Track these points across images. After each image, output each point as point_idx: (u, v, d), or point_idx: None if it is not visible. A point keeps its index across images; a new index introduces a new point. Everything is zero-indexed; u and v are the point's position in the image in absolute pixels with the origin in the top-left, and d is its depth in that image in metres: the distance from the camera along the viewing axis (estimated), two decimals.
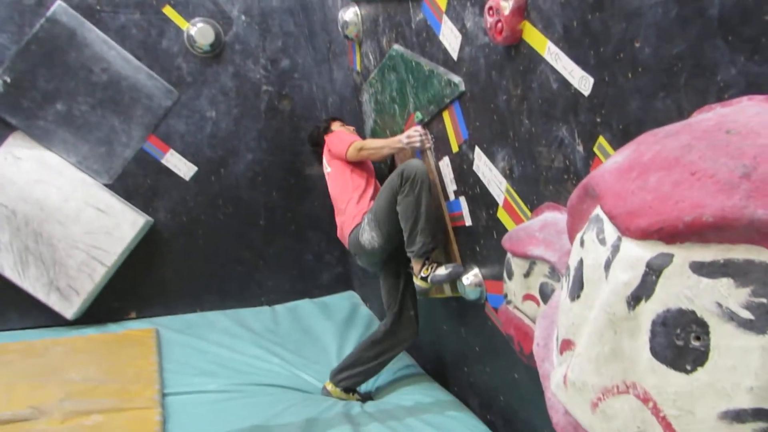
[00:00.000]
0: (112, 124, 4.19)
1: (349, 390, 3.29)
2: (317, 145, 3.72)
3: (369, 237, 3.03)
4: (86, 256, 4.08)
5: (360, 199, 3.29)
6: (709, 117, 1.18)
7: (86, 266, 4.09)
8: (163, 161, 4.37)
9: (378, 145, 3.22)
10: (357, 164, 3.39)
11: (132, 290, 4.39)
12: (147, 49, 4.24)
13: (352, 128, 3.73)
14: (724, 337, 0.93)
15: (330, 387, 3.31)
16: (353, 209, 3.26)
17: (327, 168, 3.54)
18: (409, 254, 2.92)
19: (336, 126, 3.69)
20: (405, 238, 2.88)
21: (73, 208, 4.07)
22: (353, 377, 3.27)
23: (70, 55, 4.04)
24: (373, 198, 3.27)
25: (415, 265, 2.94)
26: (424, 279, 2.90)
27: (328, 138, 3.57)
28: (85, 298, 4.12)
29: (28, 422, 2.78)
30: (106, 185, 4.22)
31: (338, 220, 3.40)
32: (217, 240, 4.59)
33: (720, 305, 0.94)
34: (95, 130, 4.16)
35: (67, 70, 4.05)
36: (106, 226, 4.10)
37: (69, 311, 4.12)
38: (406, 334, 3.23)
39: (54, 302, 4.09)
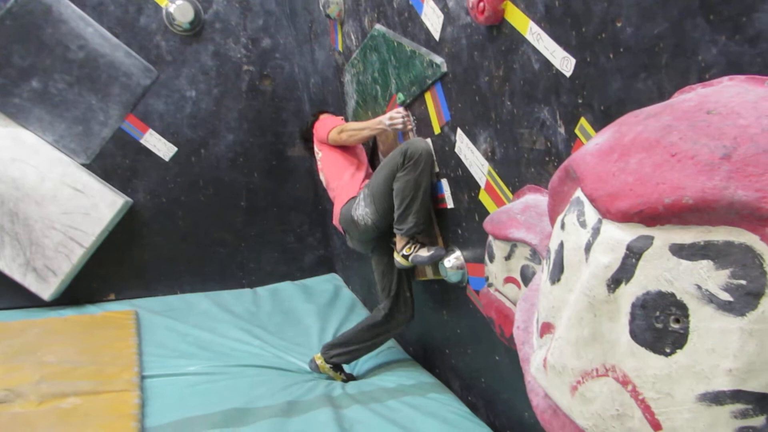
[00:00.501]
0: (90, 103, 4.11)
1: (338, 368, 3.29)
2: (308, 140, 3.66)
3: (363, 213, 2.97)
4: (63, 236, 4.02)
5: (354, 175, 3.25)
6: (690, 97, 1.17)
7: (64, 247, 4.03)
8: (142, 141, 4.31)
9: (358, 127, 3.17)
10: (348, 148, 3.36)
11: (111, 271, 4.34)
12: (125, 26, 4.15)
13: (341, 118, 3.68)
14: (703, 320, 0.93)
15: (320, 361, 3.30)
16: (347, 183, 3.22)
17: (318, 154, 3.49)
18: (396, 231, 2.88)
19: (324, 116, 3.63)
20: (396, 215, 2.83)
21: (49, 188, 4.00)
22: (345, 354, 3.27)
23: (46, 31, 3.95)
24: (366, 178, 3.24)
25: (399, 242, 2.91)
26: (405, 257, 2.89)
27: (314, 127, 3.53)
28: (62, 279, 4.07)
29: (3, 404, 2.74)
30: (83, 165, 4.15)
31: (331, 197, 3.37)
32: (197, 221, 4.55)
33: (699, 287, 0.93)
34: (72, 108, 4.08)
35: (42, 47, 3.96)
36: (83, 207, 4.04)
37: (46, 292, 4.06)
38: (404, 317, 3.21)
39: (30, 283, 4.03)
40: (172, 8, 4.19)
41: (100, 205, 4.08)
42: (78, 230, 4.04)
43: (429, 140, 2.74)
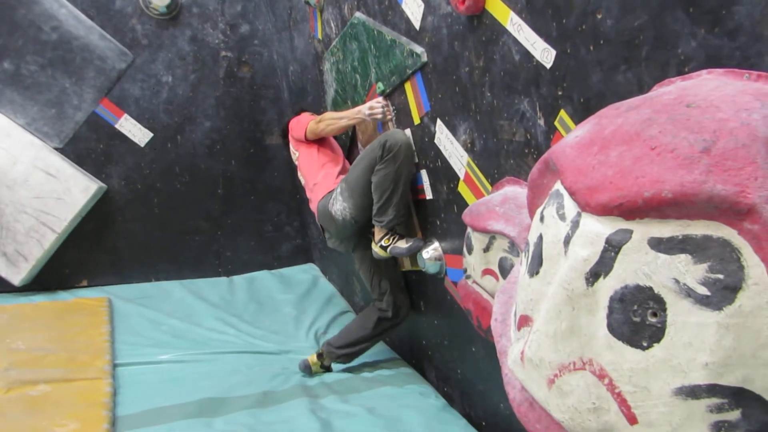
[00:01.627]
0: (63, 86, 4.03)
1: (329, 369, 3.24)
2: (286, 137, 3.61)
3: (341, 207, 2.92)
4: (35, 221, 3.94)
5: (330, 170, 3.21)
6: (669, 90, 1.17)
7: (35, 232, 3.95)
8: (117, 126, 4.23)
9: (336, 116, 3.13)
10: (323, 143, 3.31)
11: (84, 258, 4.27)
12: (99, 8, 4.07)
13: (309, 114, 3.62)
14: (680, 314, 0.93)
15: (315, 366, 3.19)
16: (323, 179, 3.17)
17: (295, 154, 3.43)
18: (375, 223, 2.85)
19: (305, 115, 3.55)
20: (375, 207, 2.79)
21: (21, 172, 3.91)
22: (352, 354, 3.21)
23: (18, 12, 3.86)
24: (342, 173, 3.20)
25: (377, 233, 2.89)
26: (384, 248, 2.87)
27: (289, 125, 3.48)
28: (33, 265, 4.00)
29: None
30: (56, 149, 4.07)
31: (308, 195, 3.30)
32: (173, 209, 4.49)
33: (677, 281, 0.93)
34: (45, 91, 3.99)
35: (15, 27, 3.86)
36: (56, 191, 3.96)
37: (16, 277, 3.99)
38: (405, 311, 3.17)
39: (1, 268, 3.95)
40: None
41: (73, 190, 4.00)
42: (50, 215, 3.96)
43: (408, 131, 2.73)
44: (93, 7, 4.04)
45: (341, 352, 3.20)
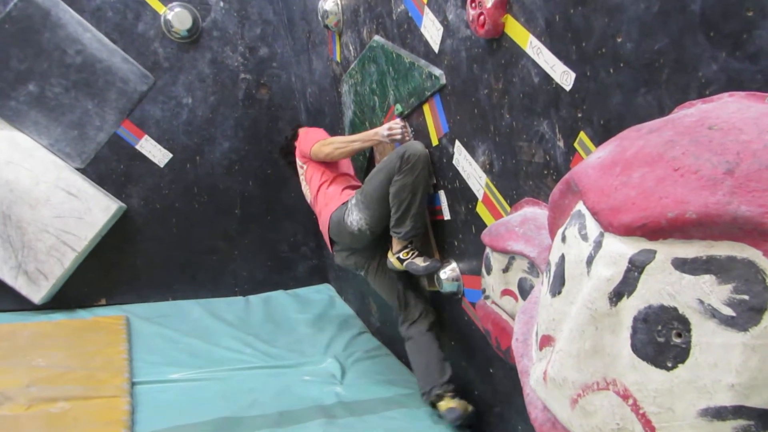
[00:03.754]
0: (86, 107, 4.10)
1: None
2: (289, 155, 3.57)
3: (357, 218, 2.91)
4: (56, 240, 3.99)
5: (341, 184, 3.20)
6: (691, 113, 1.18)
7: (56, 251, 4.00)
8: (138, 147, 4.30)
9: (347, 140, 3.11)
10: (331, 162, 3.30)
11: (103, 276, 4.31)
12: (122, 32, 4.15)
13: (322, 130, 3.54)
14: (705, 334, 0.93)
15: (448, 406, 2.80)
16: (335, 192, 3.16)
17: (302, 168, 3.42)
18: (393, 234, 2.85)
19: (303, 131, 3.54)
20: (393, 218, 2.78)
21: (43, 192, 3.98)
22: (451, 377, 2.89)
23: (44, 36, 3.95)
24: (350, 187, 3.21)
25: (396, 245, 2.88)
26: (400, 261, 2.87)
27: (297, 140, 3.46)
28: (53, 283, 4.04)
29: None
30: (78, 169, 4.13)
31: (317, 210, 3.30)
32: (191, 228, 4.53)
33: (702, 302, 0.93)
34: (68, 112, 4.07)
35: (40, 51, 3.95)
36: (77, 211, 4.02)
37: (37, 296, 4.03)
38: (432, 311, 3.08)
39: (21, 286, 4.00)
40: (170, 15, 4.20)
41: (94, 209, 4.06)
42: (71, 234, 4.01)
43: (427, 151, 2.75)
44: (116, 30, 4.13)
45: (451, 386, 2.85)
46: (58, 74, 4.01)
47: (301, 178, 3.47)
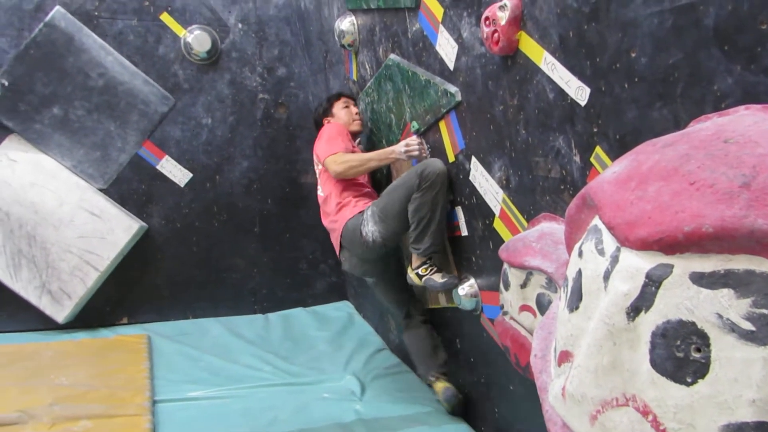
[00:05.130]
0: (108, 129, 4.18)
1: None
2: (318, 127, 3.57)
3: (372, 230, 2.94)
4: (79, 260, 4.05)
5: (355, 188, 3.21)
6: (707, 126, 1.17)
7: (79, 270, 4.06)
8: (158, 167, 4.36)
9: (363, 158, 3.11)
10: None
11: (124, 296, 4.36)
12: (144, 55, 4.23)
13: (355, 111, 3.54)
14: (725, 349, 0.92)
15: (438, 383, 3.16)
16: (347, 197, 3.17)
17: (318, 166, 3.39)
18: (412, 250, 2.87)
19: (338, 107, 3.52)
20: (413, 235, 2.81)
21: (67, 212, 4.05)
22: (443, 359, 3.24)
23: (68, 60, 4.04)
24: (363, 195, 3.22)
25: (415, 260, 2.89)
26: (419, 276, 2.88)
27: (322, 129, 3.42)
28: (76, 303, 4.09)
29: (16, 426, 2.74)
30: (100, 190, 4.20)
31: (326, 210, 3.29)
32: (211, 247, 4.57)
33: (720, 316, 0.93)
34: (91, 134, 4.15)
35: (64, 75, 4.04)
36: (99, 231, 4.08)
37: (60, 315, 4.09)
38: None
39: (45, 305, 4.06)
40: (189, 38, 4.28)
41: (116, 229, 4.12)
42: (93, 254, 4.07)
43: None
44: (138, 53, 4.21)
45: (444, 369, 3.20)
46: (81, 97, 4.09)
47: (316, 169, 3.45)
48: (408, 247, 2.96)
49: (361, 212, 3.06)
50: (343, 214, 3.16)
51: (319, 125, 3.58)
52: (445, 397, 3.06)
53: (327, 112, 3.57)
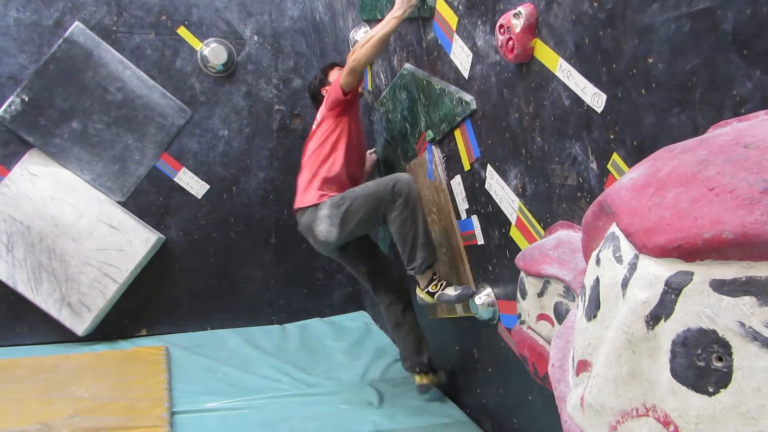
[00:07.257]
0: (126, 142, 4.23)
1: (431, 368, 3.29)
2: (316, 101, 3.46)
3: (327, 230, 2.90)
4: (98, 272, 4.09)
5: (337, 167, 3.07)
6: (726, 132, 1.16)
7: (98, 283, 4.10)
8: (176, 179, 4.39)
9: (368, 36, 2.84)
10: (351, 140, 3.15)
11: (143, 307, 4.39)
12: (161, 68, 4.28)
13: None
14: (747, 358, 0.90)
15: (423, 378, 3.26)
16: (313, 177, 3.07)
17: (315, 125, 3.29)
18: (409, 272, 2.85)
19: (334, 75, 3.34)
20: (405, 256, 2.80)
21: (86, 225, 4.09)
22: (421, 338, 3.29)
23: (87, 75, 4.10)
24: (337, 183, 3.07)
25: (422, 280, 2.87)
26: (431, 294, 2.85)
27: (326, 91, 3.31)
28: (96, 315, 4.13)
29: None
30: (119, 202, 4.24)
31: (300, 185, 3.21)
32: (228, 258, 4.59)
33: (742, 324, 0.91)
34: (109, 147, 4.20)
35: (83, 89, 4.10)
36: (118, 243, 4.12)
37: (80, 327, 4.12)
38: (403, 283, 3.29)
39: (65, 318, 4.10)
40: (206, 51, 4.32)
41: (134, 241, 4.15)
42: (112, 266, 4.11)
43: (458, 177, 2.75)
44: (155, 67, 4.26)
45: (425, 358, 3.24)
46: (100, 111, 4.15)
47: (313, 134, 3.30)
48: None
49: (316, 205, 2.97)
50: (303, 198, 3.10)
51: (317, 97, 3.45)
52: (421, 392, 3.25)
53: (323, 81, 3.42)
